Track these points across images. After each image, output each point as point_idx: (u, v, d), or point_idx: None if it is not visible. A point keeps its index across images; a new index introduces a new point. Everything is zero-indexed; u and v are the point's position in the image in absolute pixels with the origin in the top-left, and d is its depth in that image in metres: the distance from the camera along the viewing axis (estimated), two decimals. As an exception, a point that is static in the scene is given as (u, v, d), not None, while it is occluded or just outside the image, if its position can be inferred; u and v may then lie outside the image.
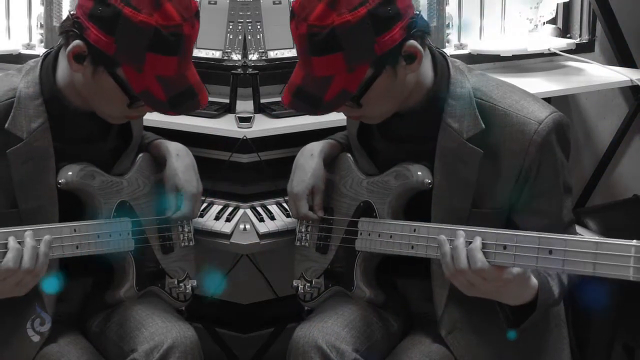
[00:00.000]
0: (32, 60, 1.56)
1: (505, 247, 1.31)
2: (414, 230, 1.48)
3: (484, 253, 1.32)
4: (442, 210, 1.51)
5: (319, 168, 1.70)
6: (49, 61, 1.52)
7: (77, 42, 1.40)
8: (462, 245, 1.34)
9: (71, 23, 1.40)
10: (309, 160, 1.71)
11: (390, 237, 1.54)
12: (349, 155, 1.71)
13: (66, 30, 1.42)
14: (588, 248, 1.21)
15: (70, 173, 1.54)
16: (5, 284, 1.37)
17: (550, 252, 1.25)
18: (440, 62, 1.51)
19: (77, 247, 1.50)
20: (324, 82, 1.37)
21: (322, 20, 1.34)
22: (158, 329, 1.54)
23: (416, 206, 1.56)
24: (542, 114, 1.45)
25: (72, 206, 1.57)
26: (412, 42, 1.39)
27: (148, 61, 1.37)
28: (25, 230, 1.40)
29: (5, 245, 1.37)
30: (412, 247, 1.49)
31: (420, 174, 1.53)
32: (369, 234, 1.60)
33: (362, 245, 1.62)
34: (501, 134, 1.46)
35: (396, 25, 1.36)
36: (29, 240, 1.38)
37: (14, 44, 2.36)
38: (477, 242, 1.33)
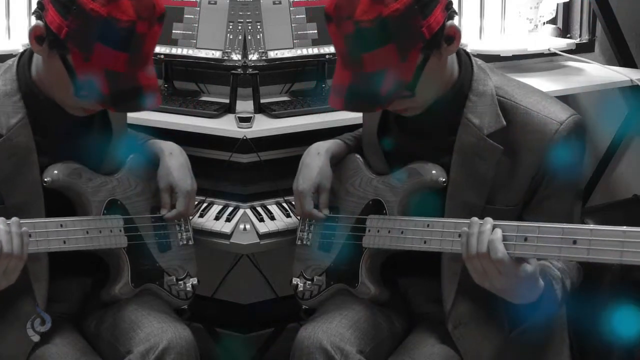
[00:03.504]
0: (11, 59, 1.57)
1: (526, 239, 1.31)
2: (427, 226, 1.48)
3: (504, 245, 1.32)
4: (456, 206, 1.51)
5: (325, 167, 1.70)
6: (26, 57, 1.53)
7: (37, 22, 1.41)
8: (489, 232, 1.34)
9: (37, 4, 1.42)
10: (315, 159, 1.71)
11: (402, 232, 1.54)
12: (358, 156, 1.71)
13: (34, 11, 1.43)
14: (615, 237, 1.22)
15: (55, 172, 1.54)
16: None
17: (575, 242, 1.26)
18: (464, 58, 1.52)
19: (64, 242, 1.51)
20: (378, 76, 1.35)
21: (370, 13, 1.32)
22: (153, 329, 1.54)
23: (426, 205, 1.56)
24: (563, 115, 1.47)
25: (62, 205, 1.57)
26: (452, 22, 1.40)
27: (96, 51, 1.36)
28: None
29: None
30: (425, 242, 1.49)
31: (434, 172, 1.53)
32: (378, 231, 1.60)
33: (370, 242, 1.62)
34: (522, 132, 1.47)
35: (437, 6, 1.36)
36: (1, 227, 1.39)
37: (13, 44, 2.36)
38: (498, 233, 1.33)
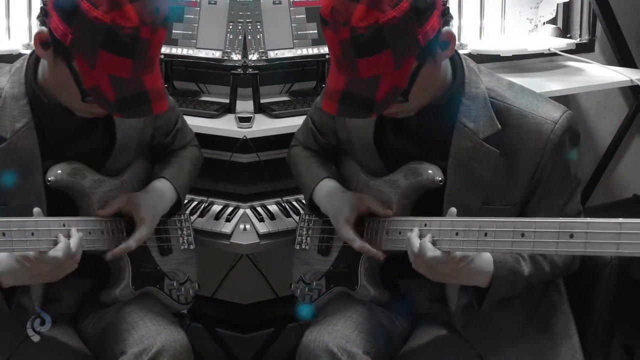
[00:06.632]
0: (21, 58, 1.57)
1: (523, 235, 1.32)
2: (425, 225, 1.48)
3: (501, 242, 1.34)
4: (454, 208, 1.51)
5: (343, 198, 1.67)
6: (33, 59, 1.53)
7: (42, 28, 1.40)
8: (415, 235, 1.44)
9: (40, 10, 1.41)
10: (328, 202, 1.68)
11: (399, 233, 1.54)
12: (353, 160, 1.70)
13: (38, 16, 1.43)
14: (611, 229, 1.22)
15: (59, 171, 1.54)
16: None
17: (572, 235, 1.26)
18: (457, 60, 1.52)
19: None
20: (372, 82, 1.34)
21: (366, 20, 1.30)
22: (148, 332, 1.54)
23: (423, 206, 1.57)
24: (556, 113, 1.48)
25: (65, 205, 1.57)
26: (447, 28, 1.40)
27: (100, 58, 1.35)
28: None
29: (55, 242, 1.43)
30: None
31: (430, 172, 1.53)
32: (376, 232, 1.60)
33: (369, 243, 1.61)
34: (517, 134, 1.48)
35: (433, 13, 1.35)
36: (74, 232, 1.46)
37: (14, 44, 2.36)
38: (427, 237, 1.41)
